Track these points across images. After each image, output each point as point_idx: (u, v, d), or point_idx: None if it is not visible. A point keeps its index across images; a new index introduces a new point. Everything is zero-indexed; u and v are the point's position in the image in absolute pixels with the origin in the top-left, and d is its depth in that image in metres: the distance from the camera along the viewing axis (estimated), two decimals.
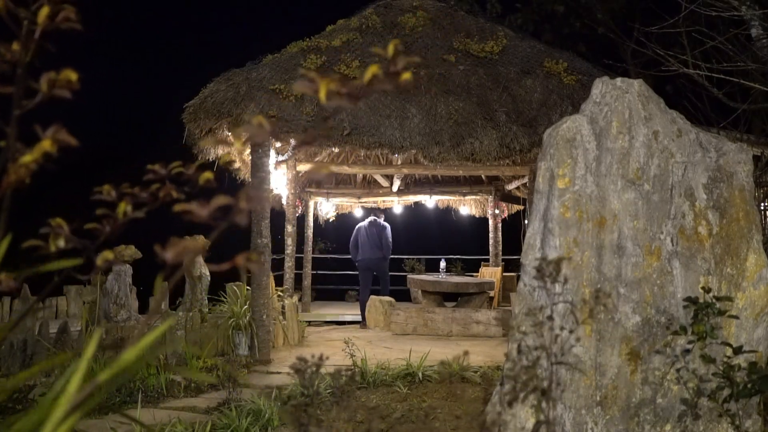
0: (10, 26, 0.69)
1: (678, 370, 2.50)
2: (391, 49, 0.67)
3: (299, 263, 10.37)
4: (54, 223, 0.78)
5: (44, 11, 0.70)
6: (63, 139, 0.69)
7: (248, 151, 7.95)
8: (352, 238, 9.48)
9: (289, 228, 8.54)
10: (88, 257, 0.79)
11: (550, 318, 1.19)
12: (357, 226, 9.67)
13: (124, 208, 0.80)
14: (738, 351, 2.30)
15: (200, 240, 7.95)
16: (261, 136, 0.69)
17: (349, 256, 12.96)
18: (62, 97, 0.70)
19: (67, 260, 0.77)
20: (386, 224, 9.47)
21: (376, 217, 9.36)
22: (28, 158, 0.67)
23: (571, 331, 1.31)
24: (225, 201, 0.69)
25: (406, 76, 0.68)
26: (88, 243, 0.79)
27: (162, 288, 0.72)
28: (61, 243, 0.78)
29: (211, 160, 7.38)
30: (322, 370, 1.26)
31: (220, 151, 7.43)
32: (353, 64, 7.13)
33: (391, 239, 9.34)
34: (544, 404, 1.12)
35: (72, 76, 0.70)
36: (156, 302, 0.74)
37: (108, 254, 0.82)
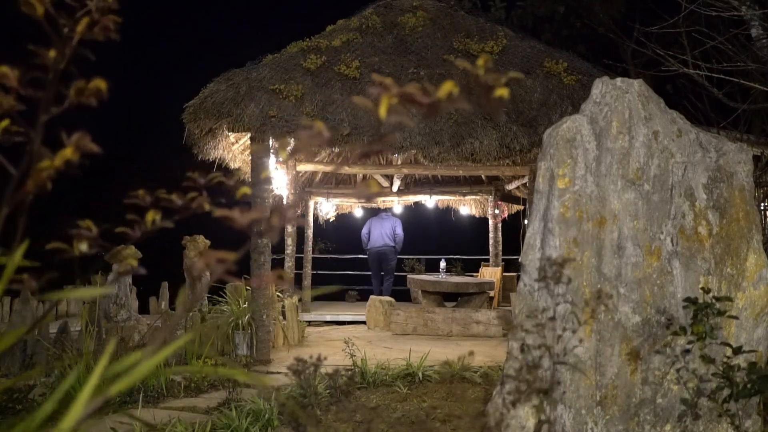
0: (48, 32, 0.68)
1: (678, 370, 2.50)
2: (481, 62, 0.60)
3: (299, 263, 10.39)
4: (83, 225, 0.77)
5: (84, 21, 0.69)
6: (86, 147, 0.68)
7: (249, 151, 7.95)
8: (364, 228, 10.20)
9: (289, 228, 8.54)
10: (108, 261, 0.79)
11: (553, 318, 1.19)
12: (370, 218, 10.42)
13: (153, 216, 0.79)
14: (738, 351, 2.30)
15: (200, 240, 7.91)
16: (318, 145, 0.64)
17: (349, 256, 13.09)
18: (89, 105, 0.70)
19: (92, 288, 0.76)
20: (398, 219, 10.27)
21: (388, 212, 10.13)
22: (46, 164, 0.66)
23: (573, 332, 1.31)
24: (258, 215, 0.66)
25: (503, 92, 0.62)
26: (112, 247, 0.78)
27: (184, 296, 0.72)
28: (85, 247, 0.77)
29: (210, 160, 7.38)
30: (322, 370, 1.26)
31: (221, 151, 7.43)
32: (353, 64, 7.13)
33: (402, 233, 9.99)
34: (545, 404, 1.12)
35: (101, 84, 0.70)
36: (179, 309, 0.74)
37: (132, 261, 0.82)
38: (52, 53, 0.68)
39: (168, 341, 0.66)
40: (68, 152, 0.67)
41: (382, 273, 10.29)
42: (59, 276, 0.77)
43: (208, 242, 7.15)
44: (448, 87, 0.59)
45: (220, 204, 0.72)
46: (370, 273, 10.96)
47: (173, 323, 0.72)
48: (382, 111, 0.60)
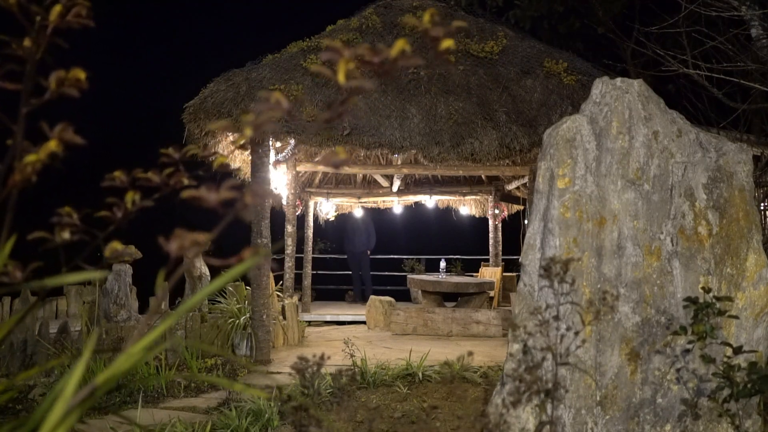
0: (22, 22, 0.67)
1: (678, 370, 2.50)
2: (427, 17, 0.63)
3: (299, 263, 10.39)
4: (63, 212, 0.76)
5: (57, 8, 0.69)
6: (69, 139, 0.68)
7: (249, 150, 7.94)
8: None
9: (289, 228, 8.54)
10: (97, 248, 0.78)
11: (557, 318, 1.19)
12: (347, 219, 11.07)
13: (132, 197, 0.79)
14: (738, 351, 2.30)
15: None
16: (277, 115, 0.65)
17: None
18: (70, 96, 0.69)
19: (83, 272, 0.75)
20: (369, 219, 11.02)
21: (361, 213, 10.77)
22: (32, 158, 0.66)
23: (576, 333, 1.31)
24: (229, 195, 0.67)
25: (448, 43, 0.63)
26: (98, 233, 0.78)
27: (163, 287, 0.72)
28: (67, 235, 0.76)
29: (210, 159, 7.37)
30: (323, 370, 1.26)
31: (221, 151, 7.43)
32: (353, 65, 7.13)
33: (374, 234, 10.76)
34: (547, 405, 1.11)
35: (80, 74, 0.69)
36: (156, 301, 0.73)
37: (116, 245, 0.81)
38: (27, 43, 0.68)
39: (149, 330, 0.66)
40: (52, 145, 0.67)
41: (361, 272, 10.96)
42: (46, 265, 0.76)
43: (210, 236, 7.13)
44: (400, 45, 0.61)
45: (199, 178, 0.72)
46: (370, 273, 11.15)
47: (152, 312, 0.72)
48: (341, 76, 0.60)
